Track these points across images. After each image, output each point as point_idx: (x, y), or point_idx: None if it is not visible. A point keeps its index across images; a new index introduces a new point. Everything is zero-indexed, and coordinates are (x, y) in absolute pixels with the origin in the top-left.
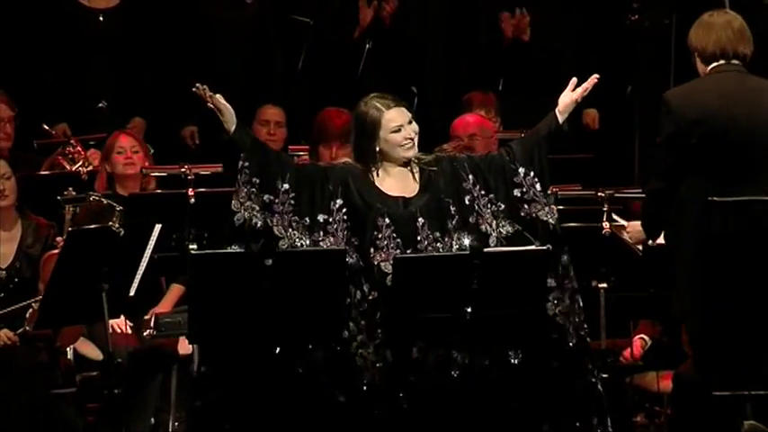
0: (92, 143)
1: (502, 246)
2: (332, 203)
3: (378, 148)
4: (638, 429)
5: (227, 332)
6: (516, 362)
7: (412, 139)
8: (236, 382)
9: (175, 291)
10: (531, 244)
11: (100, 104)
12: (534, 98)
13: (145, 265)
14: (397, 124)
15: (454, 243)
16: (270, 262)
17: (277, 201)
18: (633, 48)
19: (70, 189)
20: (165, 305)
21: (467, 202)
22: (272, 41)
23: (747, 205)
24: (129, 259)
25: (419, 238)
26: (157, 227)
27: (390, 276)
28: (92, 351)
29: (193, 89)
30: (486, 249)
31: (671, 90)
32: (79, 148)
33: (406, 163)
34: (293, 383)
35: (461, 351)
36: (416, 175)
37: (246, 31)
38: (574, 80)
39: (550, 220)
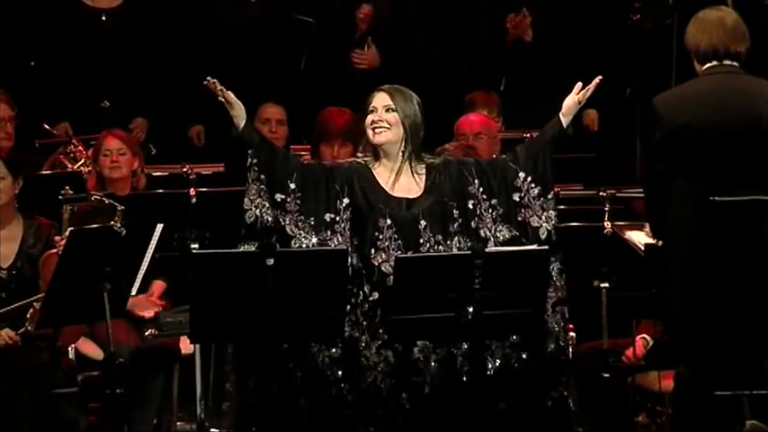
0: (93, 143)
1: None
2: (338, 202)
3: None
4: (639, 429)
5: (229, 332)
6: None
7: (379, 123)
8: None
9: (157, 287)
10: None
11: (102, 104)
12: (536, 98)
13: (147, 264)
14: (372, 105)
15: (455, 247)
16: (271, 261)
17: (289, 200)
18: (634, 48)
19: (67, 188)
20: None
21: (470, 207)
22: (275, 41)
23: (740, 206)
24: (131, 259)
25: (421, 240)
26: (159, 226)
27: (391, 277)
28: (93, 350)
29: (204, 82)
30: (487, 249)
31: (660, 95)
32: (81, 148)
33: (404, 162)
34: (295, 383)
35: (463, 351)
36: (422, 177)
37: (249, 31)
38: (579, 85)
39: (546, 226)
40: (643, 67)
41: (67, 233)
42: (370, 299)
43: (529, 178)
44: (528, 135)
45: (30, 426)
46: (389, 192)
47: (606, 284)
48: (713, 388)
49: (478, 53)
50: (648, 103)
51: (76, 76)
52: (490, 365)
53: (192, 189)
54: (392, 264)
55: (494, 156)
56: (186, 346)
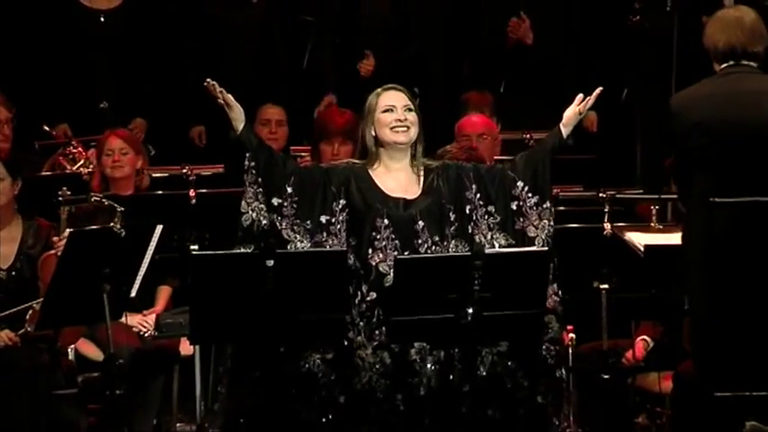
0: (93, 144)
1: None
2: (334, 204)
3: (374, 134)
4: (639, 430)
5: (229, 333)
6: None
7: (402, 122)
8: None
9: (164, 292)
10: None
11: (101, 105)
12: (536, 99)
13: (146, 266)
14: (389, 104)
15: (451, 251)
16: (271, 262)
17: (285, 204)
18: (634, 49)
19: (65, 189)
20: (159, 309)
21: (467, 212)
22: (277, 41)
23: (749, 206)
24: (131, 260)
25: (419, 241)
26: (159, 228)
27: (388, 277)
28: (93, 352)
29: (204, 84)
30: (487, 250)
31: (676, 94)
32: (80, 149)
33: (410, 163)
34: (294, 384)
35: (460, 353)
36: (420, 178)
37: (251, 31)
38: (580, 96)
39: (541, 236)
40: (643, 69)
41: (66, 234)
42: (368, 299)
43: (527, 187)
44: (527, 136)
45: (30, 426)
46: (387, 192)
47: (606, 286)
48: (717, 388)
49: (478, 54)
50: (649, 104)
51: (75, 78)
52: (480, 371)
53: (191, 190)
54: (389, 264)
55: (495, 156)
56: (186, 347)
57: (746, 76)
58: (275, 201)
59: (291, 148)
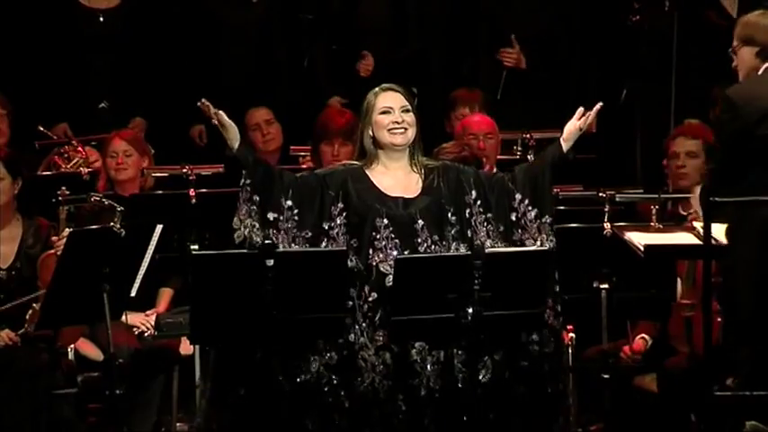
0: (93, 143)
1: None
2: (333, 208)
3: (372, 134)
4: (639, 430)
5: (229, 333)
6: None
7: (400, 124)
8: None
9: (166, 294)
10: None
11: (101, 105)
12: (535, 99)
13: (146, 265)
14: (386, 106)
15: (452, 251)
16: (271, 262)
17: (282, 218)
18: (634, 49)
19: (63, 189)
20: (160, 310)
21: (466, 216)
22: (277, 41)
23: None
24: (131, 260)
25: (419, 240)
26: (159, 227)
27: (389, 277)
28: (93, 351)
29: (198, 104)
30: (487, 250)
31: (732, 87)
32: (80, 148)
33: (408, 163)
34: (295, 386)
35: (461, 353)
36: (420, 178)
37: (251, 31)
38: (580, 110)
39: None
40: (643, 68)
41: (66, 234)
42: (369, 299)
43: (526, 200)
44: (527, 136)
45: (30, 426)
46: (385, 192)
47: (606, 285)
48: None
49: (478, 55)
50: (649, 104)
51: (74, 77)
52: (481, 376)
53: (191, 190)
54: (390, 264)
55: (496, 157)
56: (186, 347)
57: None
58: (271, 215)
59: (291, 147)
